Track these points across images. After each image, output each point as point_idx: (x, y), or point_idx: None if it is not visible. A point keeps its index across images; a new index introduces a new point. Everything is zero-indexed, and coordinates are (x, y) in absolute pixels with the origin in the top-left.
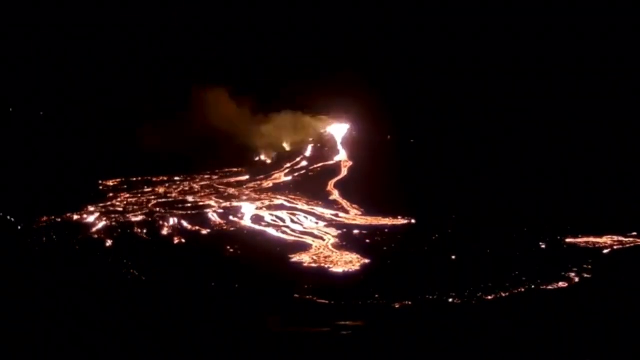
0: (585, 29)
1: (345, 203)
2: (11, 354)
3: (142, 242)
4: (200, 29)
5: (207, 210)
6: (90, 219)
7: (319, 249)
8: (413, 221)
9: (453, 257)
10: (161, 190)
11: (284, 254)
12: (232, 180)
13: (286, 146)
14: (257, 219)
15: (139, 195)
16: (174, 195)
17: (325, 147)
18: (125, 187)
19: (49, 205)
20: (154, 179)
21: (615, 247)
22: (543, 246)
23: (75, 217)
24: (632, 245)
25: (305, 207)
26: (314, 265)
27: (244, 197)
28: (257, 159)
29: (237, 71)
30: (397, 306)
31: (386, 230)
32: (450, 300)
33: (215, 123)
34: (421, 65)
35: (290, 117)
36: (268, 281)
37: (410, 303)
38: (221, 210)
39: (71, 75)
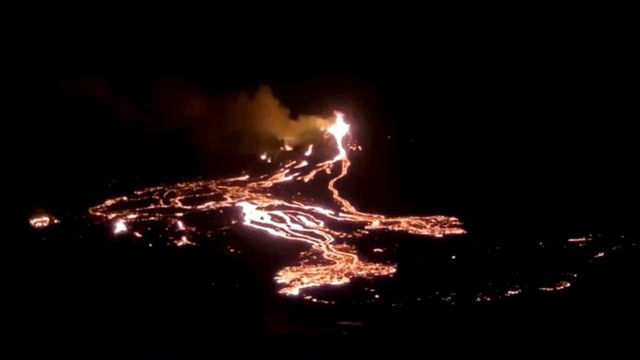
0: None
1: (345, 203)
2: (12, 353)
3: (142, 242)
4: (198, 28)
5: (208, 211)
6: (91, 219)
7: (319, 248)
8: (413, 221)
9: (453, 257)
10: (162, 191)
11: (284, 254)
12: (232, 180)
13: (286, 146)
14: (257, 219)
15: (140, 196)
16: (174, 195)
17: (325, 147)
18: (126, 188)
19: (49, 205)
20: (155, 180)
21: (615, 247)
22: (543, 246)
23: (76, 217)
24: (632, 245)
25: (305, 207)
26: (314, 264)
27: (244, 197)
28: (257, 159)
29: (239, 72)
30: (397, 306)
31: (386, 230)
32: (450, 300)
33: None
34: (421, 65)
35: (289, 116)
36: (268, 281)
37: (410, 303)
38: (221, 211)
39: (72, 75)
